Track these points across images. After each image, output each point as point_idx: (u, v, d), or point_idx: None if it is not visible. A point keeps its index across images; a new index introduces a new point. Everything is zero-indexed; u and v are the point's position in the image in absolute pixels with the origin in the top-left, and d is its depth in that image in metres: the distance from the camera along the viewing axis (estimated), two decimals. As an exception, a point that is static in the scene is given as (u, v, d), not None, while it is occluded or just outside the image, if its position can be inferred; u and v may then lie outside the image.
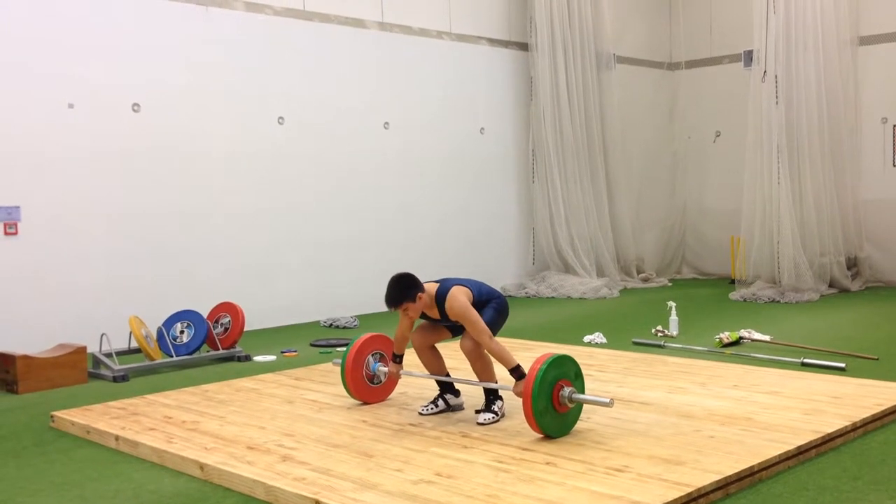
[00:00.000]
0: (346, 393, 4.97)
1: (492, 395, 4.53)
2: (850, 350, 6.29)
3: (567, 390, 4.12)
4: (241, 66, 8.24)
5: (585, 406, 4.37)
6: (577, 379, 4.23)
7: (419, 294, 4.42)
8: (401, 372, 4.87)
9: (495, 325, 4.48)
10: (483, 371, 4.49)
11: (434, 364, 4.74)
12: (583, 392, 4.25)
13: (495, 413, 4.48)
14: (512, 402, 4.62)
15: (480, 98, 10.41)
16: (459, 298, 4.40)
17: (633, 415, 4.52)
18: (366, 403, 4.95)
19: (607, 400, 4.12)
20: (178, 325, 6.72)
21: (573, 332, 7.59)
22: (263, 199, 8.44)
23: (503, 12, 10.69)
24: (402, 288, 4.42)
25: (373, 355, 4.94)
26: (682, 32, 12.48)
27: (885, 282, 10.63)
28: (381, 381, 4.99)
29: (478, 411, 4.54)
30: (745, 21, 10.49)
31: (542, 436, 4.13)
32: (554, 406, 4.10)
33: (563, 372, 4.15)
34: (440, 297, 4.45)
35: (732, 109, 11.44)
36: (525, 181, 10.93)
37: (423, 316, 4.61)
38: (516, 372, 4.28)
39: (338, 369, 5.20)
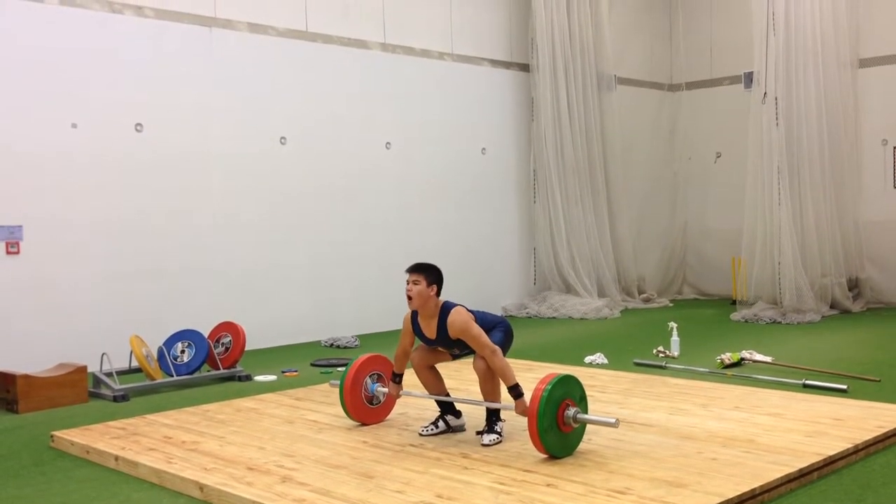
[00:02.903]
0: (343, 414, 4.95)
1: (494, 416, 4.52)
2: (852, 372, 6.28)
3: (572, 410, 4.12)
4: (243, 87, 8.29)
5: (588, 426, 4.35)
6: (581, 401, 4.22)
7: (434, 285, 4.46)
8: (401, 392, 4.86)
9: (503, 347, 4.49)
10: (491, 392, 4.47)
11: (433, 384, 4.74)
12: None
13: (498, 434, 4.47)
14: (513, 422, 4.61)
15: (482, 118, 10.46)
16: (463, 314, 4.42)
17: (634, 436, 4.50)
18: (364, 424, 4.94)
19: (613, 420, 4.11)
20: (179, 345, 6.71)
21: (574, 352, 7.57)
22: (265, 219, 8.46)
23: (504, 34, 10.76)
24: (429, 268, 4.50)
25: (370, 377, 4.93)
26: (683, 54, 12.54)
27: (886, 303, 10.62)
28: (379, 402, 4.97)
29: (479, 432, 4.52)
30: (745, 43, 10.55)
31: (544, 455, 4.11)
32: (558, 425, 4.09)
33: (569, 392, 4.15)
34: (444, 310, 4.46)
35: (733, 130, 11.48)
36: (526, 201, 10.96)
37: (421, 337, 4.61)
38: (515, 390, 4.28)
39: (337, 390, 5.19)
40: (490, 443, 4.40)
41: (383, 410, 5.02)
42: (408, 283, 4.49)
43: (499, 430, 4.48)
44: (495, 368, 4.35)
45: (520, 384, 4.31)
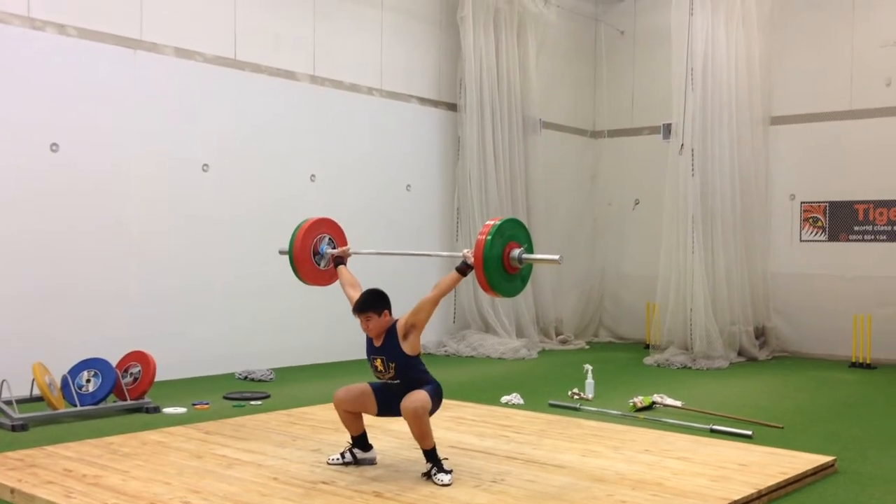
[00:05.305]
0: (254, 449, 4.85)
1: (434, 457, 4.43)
2: (757, 418, 6.47)
3: (517, 251, 4.32)
4: (167, 111, 8.15)
5: (499, 466, 4.36)
6: (526, 243, 4.42)
7: (385, 311, 4.56)
8: (349, 251, 5.20)
9: (434, 403, 4.48)
10: (424, 436, 4.40)
11: (353, 422, 4.72)
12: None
13: (449, 471, 4.41)
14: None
15: (408, 155, 10.52)
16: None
17: (546, 477, 4.53)
18: (309, 285, 5.29)
19: (557, 257, 4.39)
20: (85, 374, 6.46)
21: (491, 391, 7.60)
22: (182, 246, 8.27)
23: (434, 72, 10.89)
24: (376, 298, 4.59)
25: (325, 237, 5.22)
26: (606, 103, 12.90)
27: (790, 352, 11.01)
28: (324, 265, 5.25)
29: (426, 475, 4.41)
30: (665, 96, 10.92)
31: (495, 296, 4.42)
32: (504, 266, 4.29)
33: (516, 235, 4.38)
34: (393, 325, 4.56)
35: (651, 179, 11.82)
36: (449, 239, 11.02)
37: (369, 343, 4.62)
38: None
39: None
40: (449, 482, 4.33)
41: (326, 275, 5.27)
42: (362, 323, 4.56)
43: (447, 468, 4.43)
44: (433, 296, 4.55)
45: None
